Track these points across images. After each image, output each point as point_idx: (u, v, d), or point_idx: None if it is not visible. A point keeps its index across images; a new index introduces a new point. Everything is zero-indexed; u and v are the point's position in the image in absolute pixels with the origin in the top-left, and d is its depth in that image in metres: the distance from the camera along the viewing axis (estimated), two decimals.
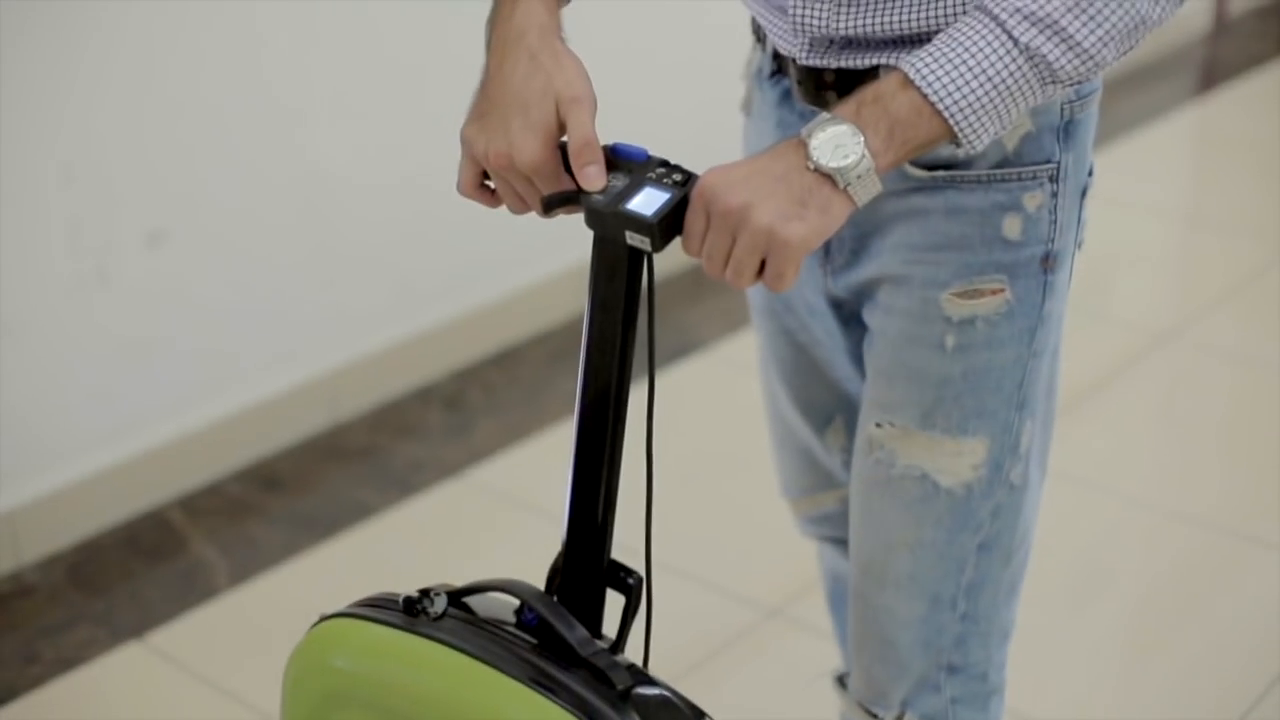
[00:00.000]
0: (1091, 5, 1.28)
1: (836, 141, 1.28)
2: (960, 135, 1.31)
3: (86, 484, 2.76)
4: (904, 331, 1.50)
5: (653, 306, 1.35)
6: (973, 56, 1.29)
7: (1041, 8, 1.28)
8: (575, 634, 1.35)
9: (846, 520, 1.76)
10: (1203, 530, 2.75)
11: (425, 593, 1.39)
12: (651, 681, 1.36)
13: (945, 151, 1.42)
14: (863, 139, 1.28)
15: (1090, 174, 1.52)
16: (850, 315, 1.61)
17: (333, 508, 2.85)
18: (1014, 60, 1.29)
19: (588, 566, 1.41)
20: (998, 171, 1.45)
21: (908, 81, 1.30)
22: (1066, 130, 1.46)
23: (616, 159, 1.33)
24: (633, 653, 1.40)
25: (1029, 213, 1.46)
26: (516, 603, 1.39)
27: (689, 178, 1.31)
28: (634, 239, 1.29)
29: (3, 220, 2.55)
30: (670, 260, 3.59)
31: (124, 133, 2.66)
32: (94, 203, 2.66)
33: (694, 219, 1.29)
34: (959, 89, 1.29)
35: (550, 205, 1.33)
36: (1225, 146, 4.60)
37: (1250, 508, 2.82)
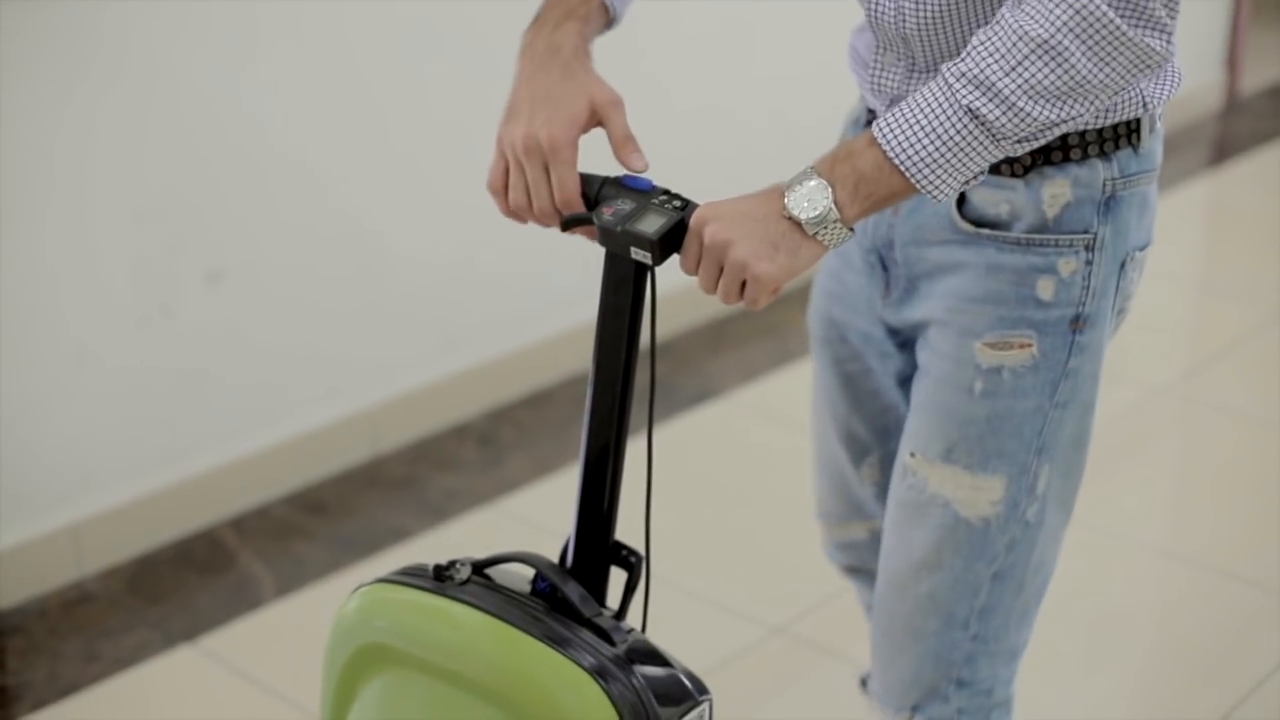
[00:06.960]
0: (1026, 69, 1.42)
1: (809, 195, 1.47)
2: (921, 188, 1.46)
3: (146, 503, 2.97)
4: (941, 371, 1.65)
5: (655, 315, 1.55)
6: (926, 117, 1.45)
7: (982, 70, 1.43)
8: (581, 599, 1.55)
9: (872, 551, 1.94)
10: (1199, 570, 2.91)
11: (452, 563, 1.60)
12: (648, 644, 1.55)
13: (990, 211, 1.59)
14: (831, 193, 1.46)
15: (1142, 248, 1.64)
16: (905, 343, 1.77)
17: (373, 531, 3.05)
18: (960, 120, 1.44)
19: (594, 544, 1.61)
20: (1036, 236, 1.59)
21: (874, 140, 1.47)
22: (1108, 205, 1.59)
23: (625, 188, 1.54)
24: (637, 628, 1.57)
25: (1062, 277, 1.59)
26: (531, 573, 1.59)
27: (687, 204, 1.51)
28: (637, 254, 1.50)
29: (79, 260, 2.78)
30: (694, 313, 3.80)
31: (191, 178, 2.89)
32: (159, 243, 2.88)
33: (690, 244, 1.50)
34: (914, 146, 1.45)
35: (568, 224, 1.54)
36: (1235, 217, 4.78)
37: (1247, 551, 2.97)
